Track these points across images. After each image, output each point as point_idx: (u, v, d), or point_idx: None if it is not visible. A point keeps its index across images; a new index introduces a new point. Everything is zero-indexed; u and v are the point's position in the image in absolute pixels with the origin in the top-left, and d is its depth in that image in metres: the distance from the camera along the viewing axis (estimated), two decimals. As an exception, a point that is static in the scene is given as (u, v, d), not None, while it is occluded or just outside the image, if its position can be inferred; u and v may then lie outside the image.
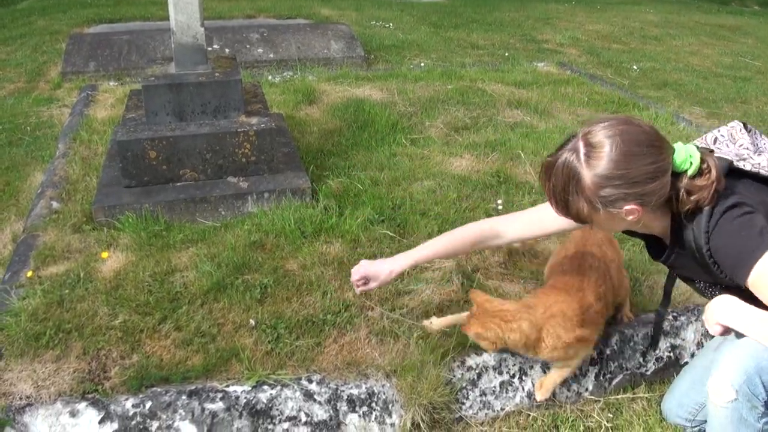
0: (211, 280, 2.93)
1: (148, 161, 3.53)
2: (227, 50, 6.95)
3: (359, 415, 2.40)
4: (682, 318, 2.89)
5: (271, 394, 2.36)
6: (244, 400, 2.33)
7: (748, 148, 2.03)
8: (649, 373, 2.78)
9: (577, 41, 9.33)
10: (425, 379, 2.43)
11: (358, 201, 3.66)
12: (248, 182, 3.67)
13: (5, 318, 2.66)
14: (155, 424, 2.25)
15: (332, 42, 7.44)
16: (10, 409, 2.24)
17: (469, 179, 4.03)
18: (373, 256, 3.16)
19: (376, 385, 2.46)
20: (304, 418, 2.35)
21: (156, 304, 2.79)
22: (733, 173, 1.94)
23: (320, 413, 2.37)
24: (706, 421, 2.21)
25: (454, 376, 2.52)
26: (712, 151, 2.01)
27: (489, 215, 3.59)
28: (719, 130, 2.12)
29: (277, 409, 2.34)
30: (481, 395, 2.54)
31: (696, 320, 2.90)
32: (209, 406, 2.30)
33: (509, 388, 2.58)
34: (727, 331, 1.87)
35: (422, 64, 7.30)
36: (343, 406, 2.39)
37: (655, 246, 2.17)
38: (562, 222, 2.13)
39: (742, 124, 2.11)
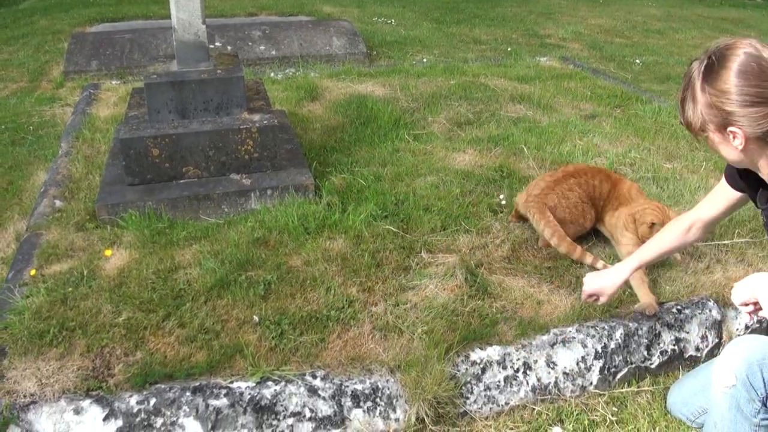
0: (214, 276, 2.93)
1: (151, 159, 3.53)
2: (229, 48, 6.94)
3: (363, 411, 2.40)
4: (687, 311, 2.88)
5: (275, 390, 2.36)
6: (249, 396, 2.33)
7: None
8: (653, 366, 2.78)
9: (579, 36, 9.30)
10: (429, 374, 2.42)
11: (361, 197, 3.66)
12: (251, 179, 3.67)
13: (9, 316, 2.66)
14: (159, 421, 2.25)
15: (334, 39, 7.44)
16: (15, 407, 2.24)
17: (472, 174, 4.02)
18: (376, 252, 3.16)
19: (380, 380, 2.46)
20: (308, 414, 2.35)
21: (160, 301, 2.79)
22: None
23: (324, 409, 2.37)
24: None
25: (459, 370, 2.52)
26: None
27: (492, 210, 3.59)
28: None
29: (282, 405, 2.34)
30: (485, 390, 2.54)
31: (701, 313, 2.89)
32: (213, 402, 2.30)
33: (513, 382, 2.57)
34: (755, 311, 1.85)
35: (424, 60, 7.29)
36: (347, 402, 2.39)
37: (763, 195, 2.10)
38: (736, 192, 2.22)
39: None
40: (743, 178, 2.13)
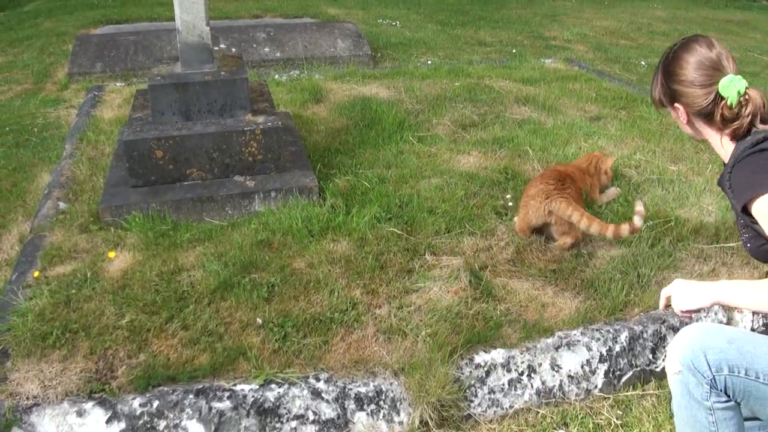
0: (218, 279, 2.93)
1: (154, 161, 3.53)
2: (234, 50, 6.94)
3: (367, 414, 2.39)
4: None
5: (278, 392, 2.35)
6: (252, 399, 2.32)
7: None
8: (658, 369, 2.76)
9: (584, 37, 9.29)
10: (433, 376, 2.41)
11: (365, 199, 3.65)
12: (255, 181, 3.66)
13: (12, 318, 2.66)
14: (162, 423, 2.25)
15: (339, 40, 7.43)
16: (18, 409, 2.24)
17: (476, 176, 4.01)
18: (380, 254, 3.15)
19: (384, 383, 2.45)
20: (311, 417, 2.34)
21: (163, 304, 2.79)
22: None
23: (328, 412, 2.36)
24: None
25: (463, 373, 2.51)
26: None
27: (497, 212, 3.58)
28: None
29: (285, 408, 2.33)
30: (489, 393, 2.53)
31: (706, 316, 2.87)
32: (216, 405, 2.29)
33: (518, 385, 2.56)
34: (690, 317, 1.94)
35: (429, 62, 7.28)
36: (350, 405, 2.38)
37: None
38: None
39: None
40: None
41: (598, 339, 2.70)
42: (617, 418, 2.56)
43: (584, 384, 2.65)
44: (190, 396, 2.30)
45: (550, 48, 8.45)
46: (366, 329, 2.69)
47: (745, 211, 1.96)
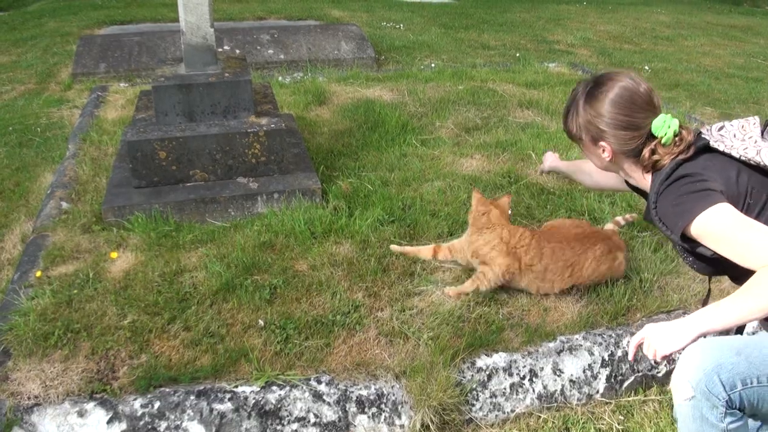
0: (220, 280, 2.93)
1: (158, 162, 3.53)
2: (238, 51, 6.95)
3: (368, 417, 2.39)
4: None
5: (279, 394, 2.35)
6: (253, 401, 2.32)
7: (756, 141, 2.07)
8: (660, 375, 2.76)
9: (588, 42, 9.29)
10: (435, 380, 2.41)
11: (368, 202, 3.65)
12: (258, 183, 3.66)
13: (14, 318, 2.65)
14: (163, 425, 2.25)
15: (343, 43, 7.44)
16: (19, 409, 2.24)
17: (479, 180, 4.01)
18: (382, 257, 3.15)
19: (385, 386, 2.44)
20: (313, 419, 2.34)
21: (165, 305, 2.79)
22: (710, 150, 2.08)
23: (329, 414, 2.36)
24: None
25: (464, 377, 2.50)
26: (701, 133, 2.15)
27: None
28: (731, 121, 2.20)
29: (286, 410, 2.33)
30: (491, 397, 2.52)
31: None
32: (218, 406, 2.29)
33: (519, 389, 2.56)
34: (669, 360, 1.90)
35: (433, 65, 7.28)
36: (352, 407, 2.38)
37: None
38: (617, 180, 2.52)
39: (759, 120, 2.13)
40: None
41: (601, 344, 2.70)
42: (619, 424, 2.55)
43: (586, 389, 2.64)
44: (192, 397, 2.30)
45: (554, 52, 8.45)
46: (368, 332, 2.69)
47: (684, 238, 1.99)
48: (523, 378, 2.57)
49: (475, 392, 2.50)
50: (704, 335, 1.88)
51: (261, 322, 2.70)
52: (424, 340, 2.62)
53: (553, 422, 2.54)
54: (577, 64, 7.47)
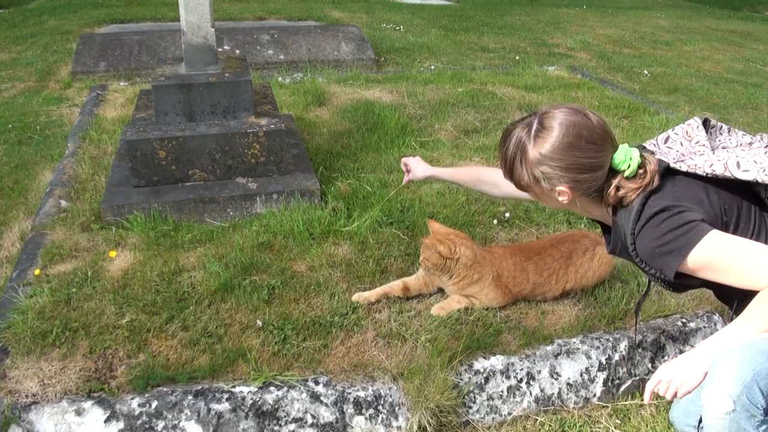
0: (218, 280, 2.93)
1: (157, 161, 3.53)
2: (238, 51, 6.95)
3: (366, 418, 2.39)
4: (692, 324, 2.87)
5: (277, 395, 2.35)
6: (251, 401, 2.32)
7: (704, 145, 2.06)
8: (658, 379, 2.76)
9: (587, 45, 9.30)
10: (432, 382, 2.41)
11: (366, 203, 3.65)
12: (257, 183, 3.67)
13: (12, 316, 2.66)
14: (161, 424, 2.25)
15: (342, 44, 7.44)
16: (16, 407, 2.24)
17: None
18: (381, 259, 3.15)
19: (382, 387, 2.45)
20: (310, 420, 2.34)
21: (163, 304, 2.79)
22: (672, 171, 2.02)
23: (326, 415, 2.36)
24: None
25: (462, 379, 2.51)
26: (654, 153, 2.08)
27: (498, 219, 3.58)
28: (674, 129, 2.18)
29: (284, 411, 2.33)
30: (488, 399, 2.53)
31: (705, 326, 2.88)
32: (215, 406, 2.29)
33: (517, 392, 2.56)
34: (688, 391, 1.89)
35: (432, 67, 7.28)
36: (349, 409, 2.38)
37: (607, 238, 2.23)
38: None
39: (700, 121, 2.13)
40: None
41: (598, 347, 2.71)
42: (615, 427, 2.56)
43: (583, 392, 2.65)
44: (189, 397, 2.30)
45: (553, 55, 8.46)
46: (366, 333, 2.69)
47: (676, 275, 1.92)
48: (521, 381, 2.58)
49: (472, 395, 2.51)
50: None
51: (259, 323, 2.70)
52: (421, 342, 2.62)
53: (550, 425, 2.54)
54: (576, 67, 7.48)
